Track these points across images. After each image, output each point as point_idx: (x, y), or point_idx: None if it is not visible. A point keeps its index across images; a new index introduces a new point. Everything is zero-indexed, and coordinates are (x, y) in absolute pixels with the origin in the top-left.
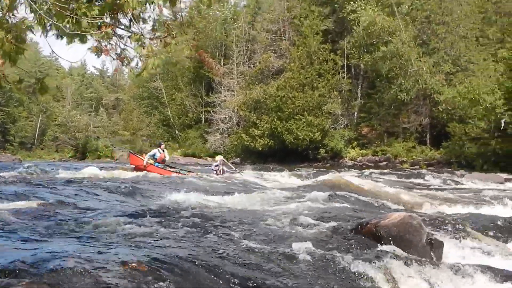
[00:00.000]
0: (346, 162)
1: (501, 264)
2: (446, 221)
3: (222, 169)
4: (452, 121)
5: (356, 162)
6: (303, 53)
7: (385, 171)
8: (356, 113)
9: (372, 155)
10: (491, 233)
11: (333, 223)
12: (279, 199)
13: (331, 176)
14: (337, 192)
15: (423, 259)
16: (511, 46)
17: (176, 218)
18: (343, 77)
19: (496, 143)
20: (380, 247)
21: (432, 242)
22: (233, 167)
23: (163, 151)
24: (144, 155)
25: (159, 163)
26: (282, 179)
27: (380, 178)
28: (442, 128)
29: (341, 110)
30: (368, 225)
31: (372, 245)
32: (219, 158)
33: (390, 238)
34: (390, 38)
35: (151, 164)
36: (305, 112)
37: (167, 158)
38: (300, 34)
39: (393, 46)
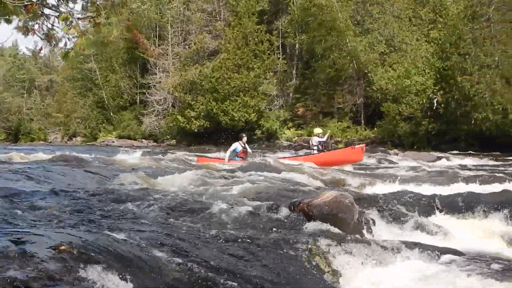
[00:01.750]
0: (282, 143)
1: (429, 240)
2: (378, 199)
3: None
4: (386, 101)
5: (291, 143)
6: (238, 34)
7: None
8: (291, 94)
9: (308, 136)
10: (420, 210)
11: (266, 204)
12: (213, 181)
13: (266, 157)
14: (271, 173)
15: (355, 236)
16: (442, 26)
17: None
18: (279, 58)
19: (428, 123)
20: (312, 226)
21: (364, 220)
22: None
23: (245, 144)
24: (217, 157)
25: (240, 157)
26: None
27: None
28: (376, 108)
29: (276, 90)
30: (301, 204)
31: (304, 224)
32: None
33: (322, 217)
34: (325, 18)
35: (232, 160)
36: (240, 93)
37: (250, 151)
38: (235, 14)
39: (329, 24)
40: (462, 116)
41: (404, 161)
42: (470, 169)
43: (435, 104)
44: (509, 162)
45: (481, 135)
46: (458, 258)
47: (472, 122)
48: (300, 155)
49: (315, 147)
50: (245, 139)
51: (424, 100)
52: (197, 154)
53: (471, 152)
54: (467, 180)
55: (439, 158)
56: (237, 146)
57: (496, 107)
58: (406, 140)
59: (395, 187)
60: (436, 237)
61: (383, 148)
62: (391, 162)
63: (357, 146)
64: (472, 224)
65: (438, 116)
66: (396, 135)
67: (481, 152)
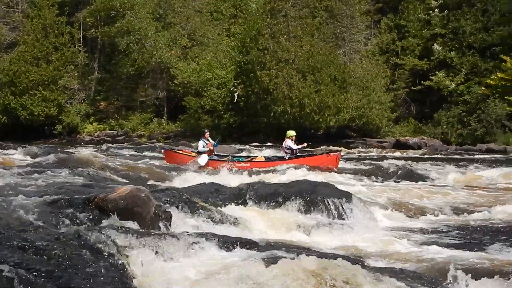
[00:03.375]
0: (84, 137)
1: (226, 231)
2: (177, 193)
3: None
4: (188, 95)
5: (93, 137)
6: (37, 26)
7: (123, 145)
8: (93, 88)
9: (110, 130)
10: (218, 202)
11: (63, 198)
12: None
13: (67, 152)
14: (69, 168)
15: (151, 230)
16: (243, 21)
17: None
18: (80, 51)
19: (230, 116)
20: (107, 221)
21: (161, 213)
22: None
23: (209, 140)
24: (184, 150)
25: (208, 155)
26: (14, 156)
27: (117, 152)
28: (179, 102)
29: (77, 84)
30: (96, 199)
31: (99, 219)
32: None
33: (118, 211)
34: (127, 12)
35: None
36: (40, 87)
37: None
38: (34, 5)
39: (130, 20)
40: (262, 109)
41: None
42: None
43: (236, 98)
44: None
45: (279, 128)
46: (254, 247)
47: (272, 115)
48: (273, 160)
49: (288, 151)
50: (207, 134)
51: (226, 94)
52: (165, 147)
53: (270, 144)
54: (264, 171)
55: (240, 150)
56: (202, 143)
57: (294, 100)
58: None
59: (194, 180)
60: (234, 228)
61: (186, 141)
62: None
63: (332, 153)
64: (268, 214)
65: (239, 109)
66: (198, 128)
67: (278, 144)
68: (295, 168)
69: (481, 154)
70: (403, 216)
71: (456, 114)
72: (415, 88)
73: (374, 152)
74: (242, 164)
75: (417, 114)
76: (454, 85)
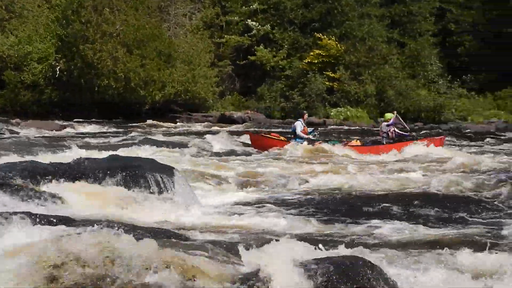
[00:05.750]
0: None
1: (42, 209)
2: None
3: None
4: (7, 69)
5: None
6: None
7: None
8: None
9: None
10: (33, 179)
11: None
12: None
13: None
14: None
15: None
16: None
17: None
18: None
19: (52, 91)
20: None
21: None
22: None
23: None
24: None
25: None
26: None
27: None
28: None
29: None
30: None
31: None
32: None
33: None
34: None
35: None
36: None
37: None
38: None
39: None
40: (86, 84)
41: (27, 130)
42: (93, 136)
43: (58, 72)
44: (130, 129)
45: (104, 103)
46: (72, 224)
47: (96, 89)
48: (368, 145)
49: (384, 135)
50: (306, 116)
51: (47, 68)
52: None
53: (95, 120)
54: (87, 147)
55: (64, 126)
56: (300, 125)
57: (119, 75)
58: (29, 109)
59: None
60: (49, 204)
61: (5, 118)
62: (13, 132)
63: (436, 138)
64: (86, 189)
65: (62, 84)
66: (18, 104)
67: (103, 119)
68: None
69: None
70: (225, 190)
71: (279, 88)
72: (239, 63)
73: (200, 127)
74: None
75: (241, 89)
76: (276, 60)
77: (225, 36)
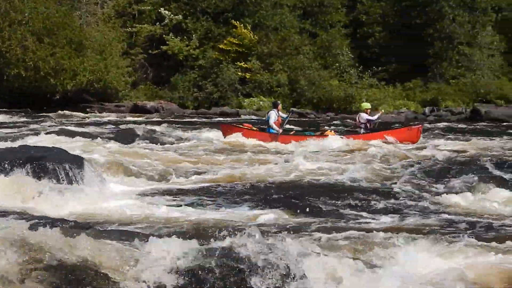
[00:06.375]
0: None
1: None
2: None
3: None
4: None
5: None
6: None
7: None
8: None
9: None
10: None
11: None
12: None
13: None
14: None
15: None
16: None
17: None
18: None
19: None
20: None
21: None
22: None
23: (279, 113)
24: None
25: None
26: None
27: None
28: None
29: None
30: None
31: None
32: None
33: None
34: None
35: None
36: None
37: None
38: None
39: None
40: None
41: None
42: (1, 126)
43: None
44: (41, 119)
45: (13, 92)
46: None
47: (5, 78)
48: (345, 135)
49: (362, 125)
50: (280, 106)
51: None
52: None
53: (4, 109)
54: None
55: None
56: (274, 115)
57: (28, 63)
58: None
59: None
60: None
61: None
62: None
63: (413, 127)
64: None
65: None
66: None
67: (12, 109)
68: (372, 143)
69: (216, 117)
70: (138, 180)
71: (192, 78)
72: (152, 53)
73: (112, 117)
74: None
75: (154, 79)
76: (188, 49)
77: (137, 25)
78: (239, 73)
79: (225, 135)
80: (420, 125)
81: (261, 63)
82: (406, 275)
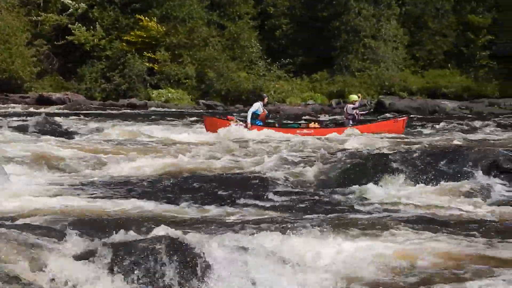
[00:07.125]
0: None
1: None
2: None
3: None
4: None
5: None
6: None
7: None
8: None
9: None
10: None
11: None
12: None
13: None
14: None
15: None
16: None
17: None
18: None
19: None
20: None
21: None
22: None
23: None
24: (229, 116)
25: (260, 121)
26: None
27: None
28: None
29: None
30: None
31: None
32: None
33: None
34: None
35: (254, 125)
36: None
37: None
38: None
39: None
40: None
41: None
42: None
43: None
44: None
45: None
46: None
47: None
48: (331, 127)
49: (350, 117)
50: (266, 99)
51: None
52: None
53: None
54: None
55: None
56: (258, 107)
57: None
58: None
59: None
60: None
61: None
62: None
63: (399, 119)
64: None
65: None
66: None
67: None
68: (359, 135)
69: (124, 109)
70: (40, 172)
71: (99, 69)
72: (58, 43)
73: (17, 108)
74: (305, 131)
75: (61, 69)
76: (94, 39)
77: (43, 14)
78: (147, 63)
79: (208, 129)
80: (405, 117)
81: (169, 54)
82: (324, 268)
